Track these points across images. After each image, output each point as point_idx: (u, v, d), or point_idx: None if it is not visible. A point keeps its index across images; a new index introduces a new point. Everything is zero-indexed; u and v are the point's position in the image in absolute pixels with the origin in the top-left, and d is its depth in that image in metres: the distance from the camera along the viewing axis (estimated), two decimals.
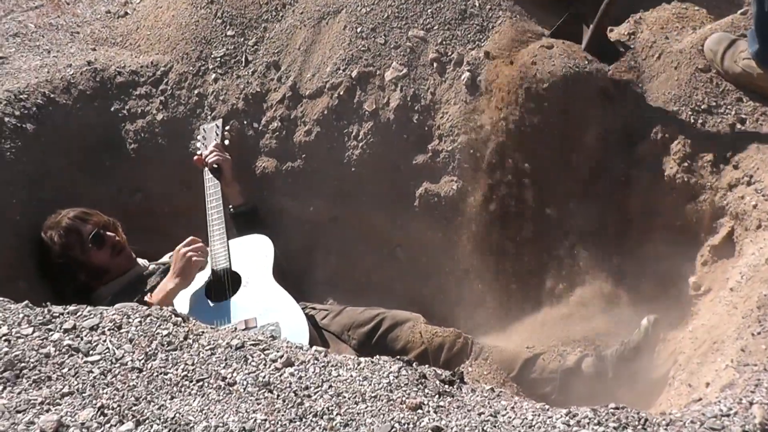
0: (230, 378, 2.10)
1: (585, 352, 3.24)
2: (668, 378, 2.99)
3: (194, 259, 3.30)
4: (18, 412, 1.97)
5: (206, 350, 2.20)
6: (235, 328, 2.55)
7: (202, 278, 3.32)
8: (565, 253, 3.55)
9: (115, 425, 1.95)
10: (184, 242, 3.36)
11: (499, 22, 3.71)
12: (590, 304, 3.43)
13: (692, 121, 3.22)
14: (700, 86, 3.26)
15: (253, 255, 3.41)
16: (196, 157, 3.70)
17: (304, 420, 1.96)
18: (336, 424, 1.94)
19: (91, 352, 2.18)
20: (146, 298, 3.27)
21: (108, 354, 2.17)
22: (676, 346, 3.05)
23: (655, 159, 3.30)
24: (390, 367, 2.14)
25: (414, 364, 2.19)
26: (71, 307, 2.37)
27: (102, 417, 1.97)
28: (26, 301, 2.41)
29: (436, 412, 1.98)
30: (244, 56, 3.97)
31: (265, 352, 2.20)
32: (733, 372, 2.34)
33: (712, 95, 3.22)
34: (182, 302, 3.24)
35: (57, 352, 2.17)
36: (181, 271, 3.28)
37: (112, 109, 3.99)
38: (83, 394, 2.03)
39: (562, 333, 3.35)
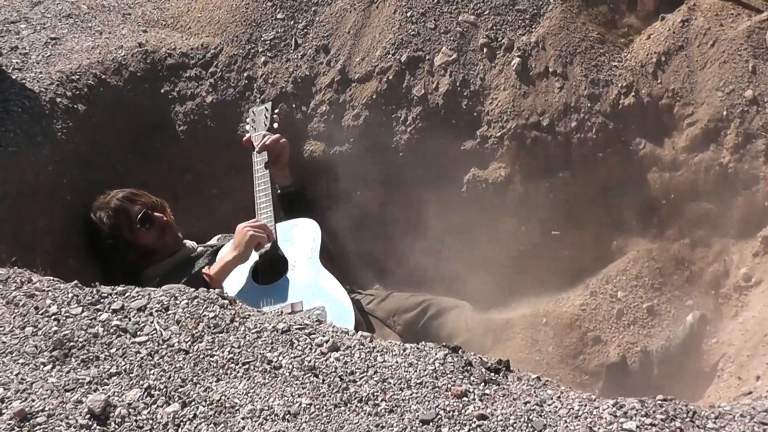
0: (276, 361, 2.10)
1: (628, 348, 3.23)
2: (716, 370, 2.96)
3: (251, 234, 3.29)
4: (67, 390, 1.99)
5: (252, 333, 2.21)
6: (282, 312, 2.56)
7: (249, 261, 3.33)
8: (608, 240, 3.52)
9: (161, 406, 1.96)
10: (248, 221, 3.38)
11: (550, 8, 3.67)
12: (634, 293, 3.39)
13: (746, 109, 3.17)
14: (755, 75, 3.20)
15: (300, 238, 3.41)
16: (245, 138, 3.71)
17: (349, 405, 1.96)
18: (381, 410, 1.94)
19: (138, 333, 2.20)
20: (204, 270, 3.28)
21: (155, 335, 2.19)
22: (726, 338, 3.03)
23: (707, 148, 3.26)
24: (436, 354, 2.14)
25: (460, 351, 2.18)
26: (119, 288, 2.39)
27: (149, 398, 1.98)
28: (75, 281, 2.43)
29: (481, 400, 1.97)
30: (293, 39, 3.97)
31: (311, 336, 2.20)
32: None
33: (767, 84, 3.16)
34: (229, 284, 3.24)
35: (105, 333, 2.19)
36: (239, 244, 3.29)
37: (162, 90, 4.01)
38: (130, 375, 2.05)
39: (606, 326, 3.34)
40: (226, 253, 3.33)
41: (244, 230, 3.31)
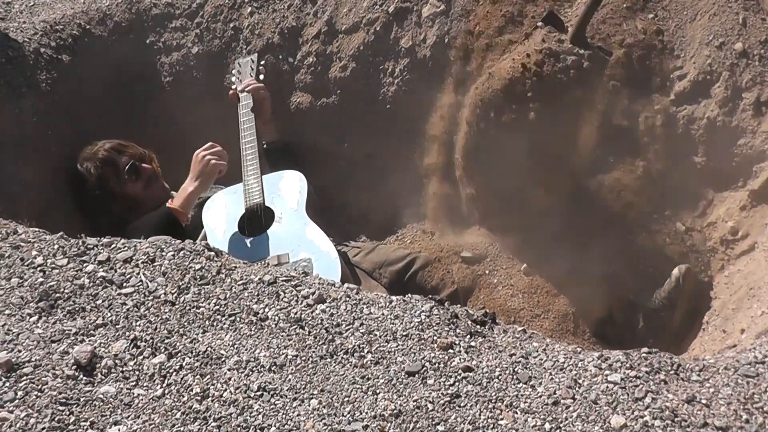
0: (262, 313, 2.10)
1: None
2: (702, 323, 2.98)
3: (213, 162, 3.31)
4: (53, 342, 1.99)
5: (239, 285, 2.21)
6: (268, 264, 2.55)
7: (235, 214, 3.32)
8: (594, 194, 3.51)
9: (147, 357, 1.96)
10: (204, 147, 3.36)
11: None
12: (619, 247, 3.40)
13: (735, 62, 3.15)
14: (745, 27, 3.18)
15: (286, 191, 3.40)
16: (231, 92, 3.68)
17: (335, 357, 1.97)
18: (366, 362, 1.95)
19: (124, 285, 2.19)
20: (168, 205, 3.28)
21: (141, 287, 2.18)
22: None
23: (696, 101, 3.24)
24: (422, 306, 2.14)
25: (446, 304, 2.18)
26: (105, 239, 2.38)
27: (135, 349, 1.98)
28: (61, 232, 2.42)
29: (467, 353, 1.98)
30: None
31: (297, 288, 2.20)
32: None
33: (757, 37, 3.14)
34: (215, 236, 3.24)
35: (91, 284, 2.18)
36: (200, 173, 3.31)
37: (148, 41, 3.98)
38: (117, 326, 2.05)
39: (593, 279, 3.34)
40: (187, 183, 3.33)
41: (205, 158, 3.31)
